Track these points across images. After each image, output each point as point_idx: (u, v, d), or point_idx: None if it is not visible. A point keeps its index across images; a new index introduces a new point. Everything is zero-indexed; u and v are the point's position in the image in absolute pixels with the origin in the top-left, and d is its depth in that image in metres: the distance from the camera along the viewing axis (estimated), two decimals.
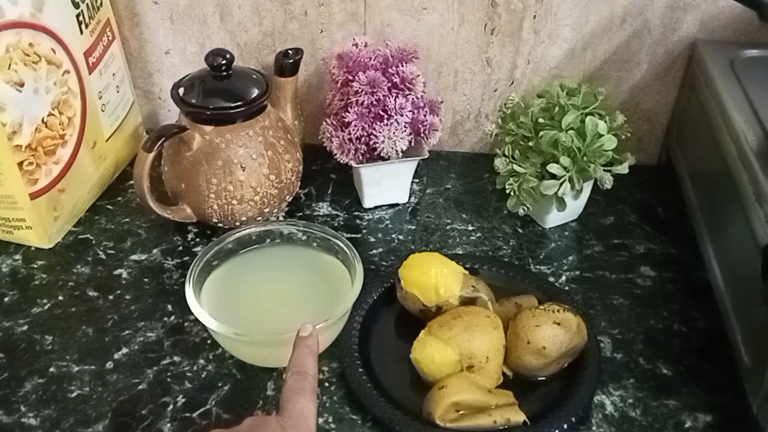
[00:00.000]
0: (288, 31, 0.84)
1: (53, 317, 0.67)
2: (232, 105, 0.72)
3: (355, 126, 0.74)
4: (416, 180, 0.85)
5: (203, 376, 0.62)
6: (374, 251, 0.75)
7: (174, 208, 0.75)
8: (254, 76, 0.75)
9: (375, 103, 0.73)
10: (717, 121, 0.67)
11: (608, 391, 0.60)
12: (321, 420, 0.58)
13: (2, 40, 0.64)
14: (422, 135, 0.76)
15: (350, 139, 0.74)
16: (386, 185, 0.80)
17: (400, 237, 0.77)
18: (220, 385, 0.61)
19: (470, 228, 0.78)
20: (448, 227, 0.79)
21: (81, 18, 0.75)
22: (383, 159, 0.76)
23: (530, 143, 0.73)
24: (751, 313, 0.56)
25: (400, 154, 0.76)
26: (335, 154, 0.76)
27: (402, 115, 0.74)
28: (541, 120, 0.73)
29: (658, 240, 0.77)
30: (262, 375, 0.62)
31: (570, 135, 0.70)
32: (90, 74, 0.77)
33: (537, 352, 0.58)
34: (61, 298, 0.69)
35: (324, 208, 0.81)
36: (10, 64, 0.65)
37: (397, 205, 0.82)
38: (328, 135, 0.76)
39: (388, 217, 0.80)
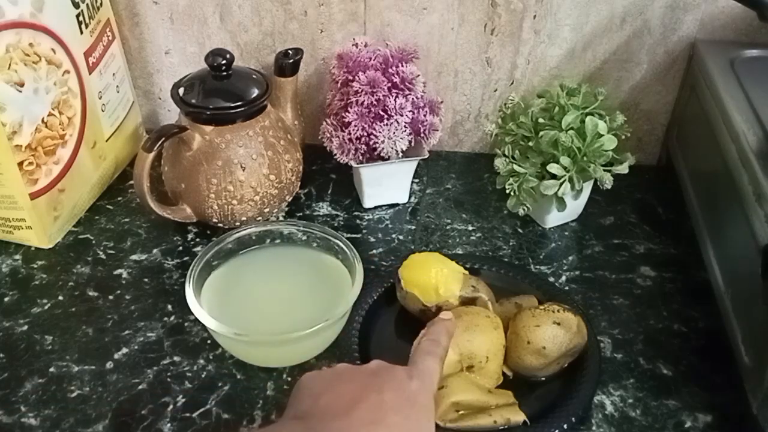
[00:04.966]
0: (288, 31, 0.84)
1: (53, 317, 0.67)
2: (232, 105, 0.72)
3: (355, 126, 0.74)
4: (416, 180, 0.85)
5: (203, 376, 0.62)
6: (374, 251, 0.75)
7: (174, 208, 0.75)
8: (254, 76, 0.75)
9: (375, 103, 0.73)
10: (717, 121, 0.67)
11: (608, 391, 0.60)
12: None
13: (2, 40, 0.64)
14: (422, 135, 0.76)
15: (350, 139, 0.74)
16: (386, 185, 0.79)
17: (400, 237, 0.77)
18: (220, 385, 0.61)
19: (470, 228, 0.78)
20: (448, 227, 0.79)
21: (81, 18, 0.75)
22: (383, 159, 0.76)
23: (530, 143, 0.73)
24: (751, 313, 0.56)
25: (400, 154, 0.76)
26: (335, 154, 0.76)
27: (402, 115, 0.74)
28: (541, 120, 0.73)
29: (658, 240, 0.77)
30: (262, 375, 0.62)
31: (570, 135, 0.70)
32: (90, 74, 0.77)
33: (537, 352, 0.58)
34: (61, 298, 0.69)
35: (324, 208, 0.81)
36: (10, 64, 0.65)
37: (397, 205, 0.82)
38: (328, 135, 0.76)
39: (388, 217, 0.80)
